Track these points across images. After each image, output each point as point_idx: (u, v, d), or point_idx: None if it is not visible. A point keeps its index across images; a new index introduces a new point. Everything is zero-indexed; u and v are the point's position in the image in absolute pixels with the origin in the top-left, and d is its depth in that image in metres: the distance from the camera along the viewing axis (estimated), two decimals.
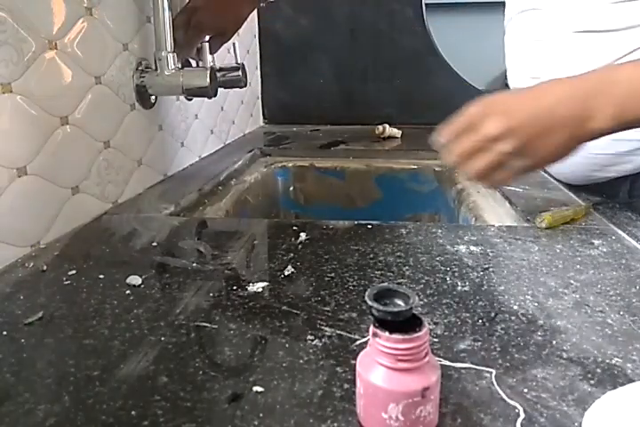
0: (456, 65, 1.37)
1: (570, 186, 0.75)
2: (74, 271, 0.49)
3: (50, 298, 0.44)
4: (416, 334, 0.26)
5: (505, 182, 0.53)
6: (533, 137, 0.49)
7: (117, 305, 0.43)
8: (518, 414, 0.30)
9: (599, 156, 0.69)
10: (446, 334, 0.38)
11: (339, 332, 0.38)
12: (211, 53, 0.84)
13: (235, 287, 0.46)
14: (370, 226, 0.61)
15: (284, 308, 0.42)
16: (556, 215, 0.60)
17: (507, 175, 0.52)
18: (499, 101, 0.52)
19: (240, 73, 0.91)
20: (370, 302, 0.27)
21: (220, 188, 0.87)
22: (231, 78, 0.91)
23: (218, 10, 0.80)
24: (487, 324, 0.40)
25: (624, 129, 0.50)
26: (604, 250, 0.53)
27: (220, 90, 0.82)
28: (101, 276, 0.48)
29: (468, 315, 0.41)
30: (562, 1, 0.66)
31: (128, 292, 0.45)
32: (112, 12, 0.67)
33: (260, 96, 1.40)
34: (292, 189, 1.11)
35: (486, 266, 0.50)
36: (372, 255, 0.52)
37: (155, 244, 0.57)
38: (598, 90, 0.48)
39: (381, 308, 0.26)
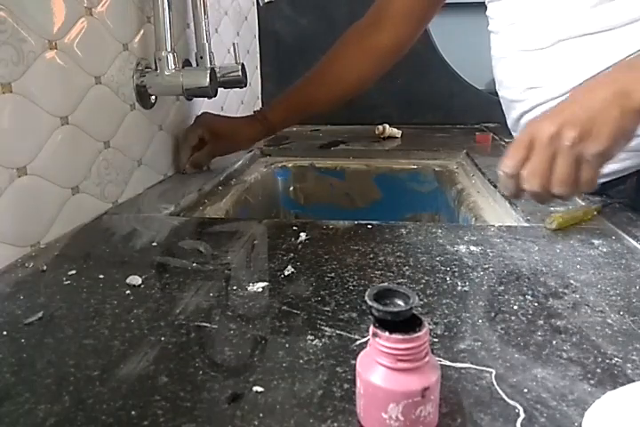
0: (456, 65, 1.37)
1: None
2: (74, 271, 0.49)
3: (50, 298, 0.44)
4: (416, 334, 0.26)
5: (594, 180, 0.52)
6: (589, 119, 0.49)
7: (117, 305, 0.43)
8: (518, 414, 0.30)
9: None
10: (446, 334, 0.38)
11: (339, 332, 0.38)
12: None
13: (235, 287, 0.46)
14: (370, 226, 0.61)
15: (284, 308, 0.42)
16: (566, 216, 0.59)
17: (591, 171, 0.51)
18: (539, 117, 0.53)
19: (240, 73, 0.91)
20: (370, 302, 0.27)
21: (219, 188, 0.87)
22: (231, 78, 0.91)
23: (228, 141, 0.91)
24: (487, 324, 0.40)
25: None
26: (604, 250, 0.53)
27: (220, 90, 0.82)
28: (101, 276, 0.48)
29: (467, 315, 0.41)
30: (546, 10, 0.67)
31: (128, 292, 0.45)
32: (112, 12, 0.67)
33: (259, 96, 1.40)
34: (291, 189, 1.11)
35: (486, 266, 0.50)
36: (372, 255, 0.52)
37: (155, 244, 0.57)
38: (630, 70, 0.51)
39: (381, 308, 0.26)
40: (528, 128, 0.53)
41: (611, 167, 0.68)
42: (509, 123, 0.82)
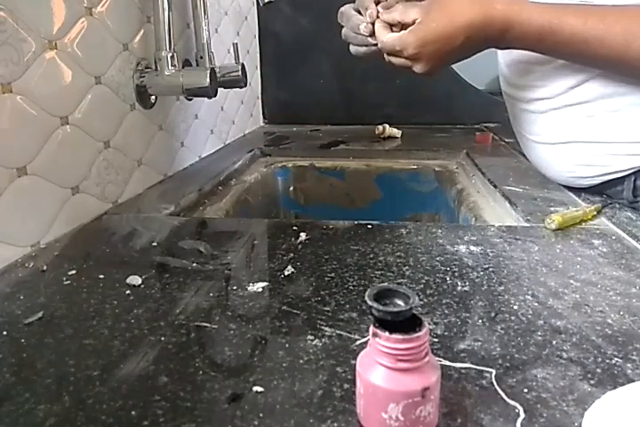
0: (456, 65, 1.37)
1: (569, 186, 0.76)
2: (74, 271, 0.49)
3: (50, 298, 0.44)
4: (416, 334, 0.26)
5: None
6: (447, 61, 0.64)
7: (117, 305, 0.43)
8: (518, 414, 0.30)
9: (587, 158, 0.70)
10: (446, 334, 0.38)
11: (339, 332, 0.39)
12: None
13: (235, 287, 0.46)
14: (370, 226, 0.61)
15: (284, 308, 0.42)
16: (566, 216, 0.59)
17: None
18: (428, 46, 0.61)
19: (240, 73, 0.91)
20: (370, 302, 0.27)
21: (219, 188, 0.87)
22: (231, 78, 0.91)
23: None
24: (487, 324, 0.40)
25: None
26: (604, 250, 0.53)
27: (220, 90, 0.82)
28: (101, 276, 0.48)
29: (467, 315, 0.41)
30: None
31: (128, 292, 0.45)
32: (112, 12, 0.67)
33: (259, 96, 1.40)
34: (291, 189, 1.11)
35: (486, 266, 0.50)
36: (372, 255, 0.52)
37: (155, 244, 0.57)
38: (502, 32, 0.60)
39: (381, 308, 0.26)
40: (416, 49, 0.61)
41: (609, 168, 0.69)
42: (511, 118, 0.82)
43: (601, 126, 0.67)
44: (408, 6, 0.63)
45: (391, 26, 0.65)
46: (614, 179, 0.69)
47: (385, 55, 0.67)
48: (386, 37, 0.64)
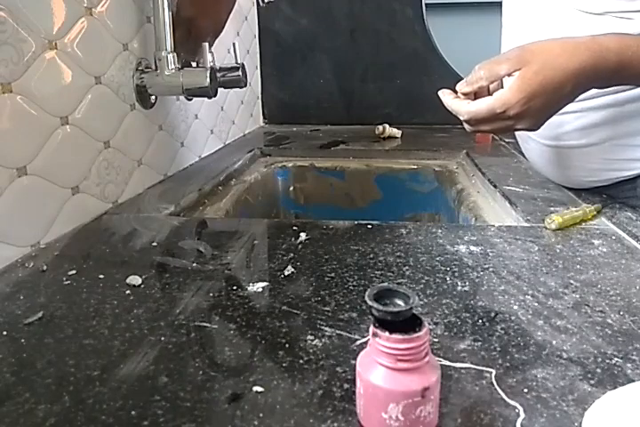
0: (456, 65, 1.37)
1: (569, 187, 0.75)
2: (74, 271, 0.49)
3: (50, 298, 0.44)
4: (416, 334, 0.26)
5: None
6: (547, 116, 0.58)
7: (117, 305, 0.43)
8: (518, 414, 0.30)
9: (599, 161, 0.69)
10: (446, 334, 0.38)
11: (339, 332, 0.38)
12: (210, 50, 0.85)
13: (235, 287, 0.46)
14: (370, 226, 0.61)
15: (284, 308, 0.42)
16: (566, 216, 0.59)
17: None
18: (536, 99, 0.55)
19: (240, 73, 0.90)
20: (370, 302, 0.27)
21: (220, 188, 0.87)
22: (231, 78, 0.90)
23: (209, 13, 0.82)
24: (487, 324, 0.40)
25: None
26: (604, 250, 0.53)
27: (220, 90, 0.82)
28: (101, 276, 0.48)
29: (467, 315, 0.41)
30: (553, 10, 0.67)
31: (128, 292, 0.45)
32: (112, 12, 0.67)
33: (259, 96, 1.40)
34: (291, 189, 1.11)
35: (486, 266, 0.50)
36: (372, 255, 0.52)
37: (155, 244, 0.57)
38: (616, 73, 0.56)
39: (381, 308, 0.26)
40: (519, 107, 0.55)
41: (632, 172, 0.68)
42: None
43: (629, 131, 0.66)
44: (492, 63, 0.57)
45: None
46: (629, 179, 0.68)
47: (468, 125, 0.61)
48: (473, 106, 0.57)
